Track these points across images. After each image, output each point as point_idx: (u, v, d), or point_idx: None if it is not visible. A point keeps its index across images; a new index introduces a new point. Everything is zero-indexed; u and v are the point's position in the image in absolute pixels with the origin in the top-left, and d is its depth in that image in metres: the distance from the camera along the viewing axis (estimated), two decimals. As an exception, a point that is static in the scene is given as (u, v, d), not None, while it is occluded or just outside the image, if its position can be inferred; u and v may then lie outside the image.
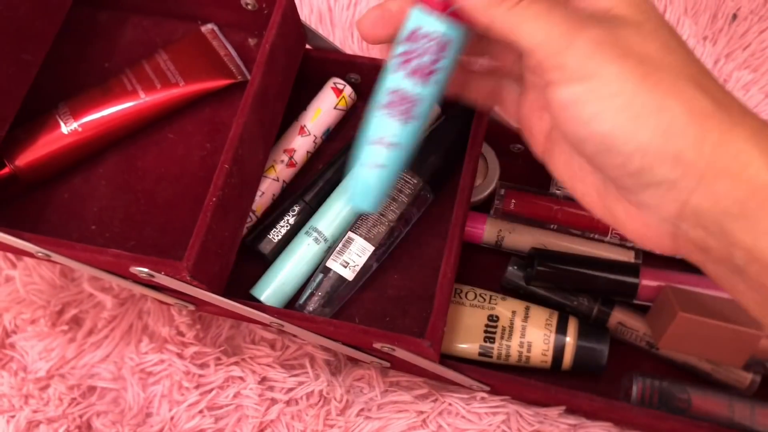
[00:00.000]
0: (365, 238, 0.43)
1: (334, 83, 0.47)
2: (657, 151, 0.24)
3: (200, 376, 0.47)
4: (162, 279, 0.37)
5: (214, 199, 0.36)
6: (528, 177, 0.50)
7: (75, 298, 0.50)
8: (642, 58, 0.24)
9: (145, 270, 0.36)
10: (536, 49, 0.25)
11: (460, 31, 0.28)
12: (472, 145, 0.42)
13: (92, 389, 0.48)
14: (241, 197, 0.39)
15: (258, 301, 0.43)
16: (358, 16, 0.57)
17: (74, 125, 0.41)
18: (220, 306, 0.41)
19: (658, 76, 0.24)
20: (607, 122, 0.25)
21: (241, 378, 0.47)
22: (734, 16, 0.57)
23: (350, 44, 0.57)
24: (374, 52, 0.56)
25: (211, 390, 0.47)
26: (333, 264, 0.43)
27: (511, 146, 0.51)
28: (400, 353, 0.40)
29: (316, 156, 0.48)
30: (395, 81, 0.29)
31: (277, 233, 0.45)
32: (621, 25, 0.25)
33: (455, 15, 0.28)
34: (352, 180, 0.30)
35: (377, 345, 0.40)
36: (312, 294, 0.43)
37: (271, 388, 0.47)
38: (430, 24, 0.28)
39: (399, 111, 0.29)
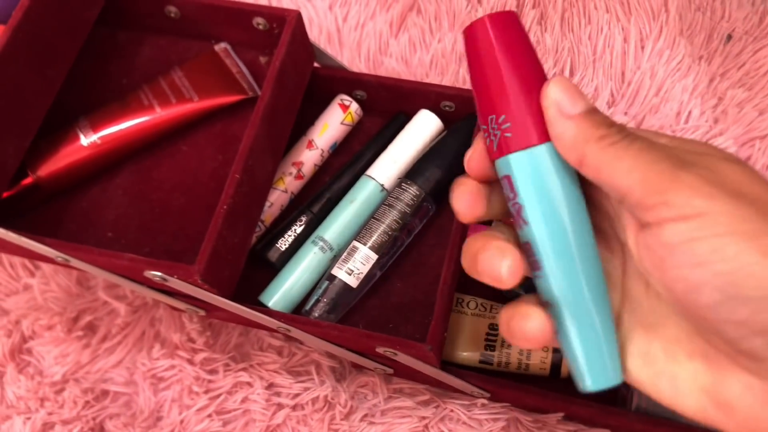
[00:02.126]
0: (369, 247, 0.45)
1: (341, 100, 0.49)
2: None
3: (209, 381, 0.49)
4: (174, 283, 0.39)
5: (225, 206, 0.38)
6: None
7: (90, 306, 0.52)
8: (754, 199, 0.22)
9: (159, 274, 0.38)
10: (636, 186, 0.23)
11: (509, 159, 0.26)
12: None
13: (105, 393, 0.49)
14: (250, 206, 0.41)
15: (266, 307, 0.45)
16: (365, 36, 0.60)
17: (93, 138, 0.43)
18: (229, 311, 0.43)
19: None
20: (730, 260, 0.21)
21: (248, 383, 0.49)
22: (729, 37, 0.59)
23: (357, 63, 0.59)
24: (381, 71, 0.59)
25: (219, 395, 0.48)
26: (338, 272, 0.45)
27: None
28: (402, 358, 0.42)
29: (323, 169, 0.50)
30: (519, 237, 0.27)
31: (285, 242, 0.46)
32: (721, 164, 0.23)
33: (502, 151, 0.26)
34: (572, 363, 0.27)
35: (380, 349, 0.41)
36: (318, 300, 0.45)
37: (278, 394, 0.48)
38: (498, 171, 0.27)
39: (532, 265, 0.27)
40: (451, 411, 0.47)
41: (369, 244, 0.45)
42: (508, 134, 0.25)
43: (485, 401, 0.47)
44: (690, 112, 0.55)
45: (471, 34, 0.26)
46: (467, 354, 0.47)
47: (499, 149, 0.26)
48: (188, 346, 0.50)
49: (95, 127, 0.44)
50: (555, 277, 0.26)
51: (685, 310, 0.24)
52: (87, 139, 0.43)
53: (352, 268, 0.45)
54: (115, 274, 0.41)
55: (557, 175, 0.26)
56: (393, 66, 0.59)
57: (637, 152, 0.23)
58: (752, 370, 0.22)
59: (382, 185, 0.47)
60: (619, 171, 0.23)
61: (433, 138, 0.49)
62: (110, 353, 0.51)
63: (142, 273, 0.38)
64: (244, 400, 0.48)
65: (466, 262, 0.27)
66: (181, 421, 0.48)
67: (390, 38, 0.60)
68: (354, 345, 0.43)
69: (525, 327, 0.25)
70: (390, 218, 0.45)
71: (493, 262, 0.26)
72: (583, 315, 0.26)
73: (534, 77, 0.25)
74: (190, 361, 0.49)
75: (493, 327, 0.48)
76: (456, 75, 0.58)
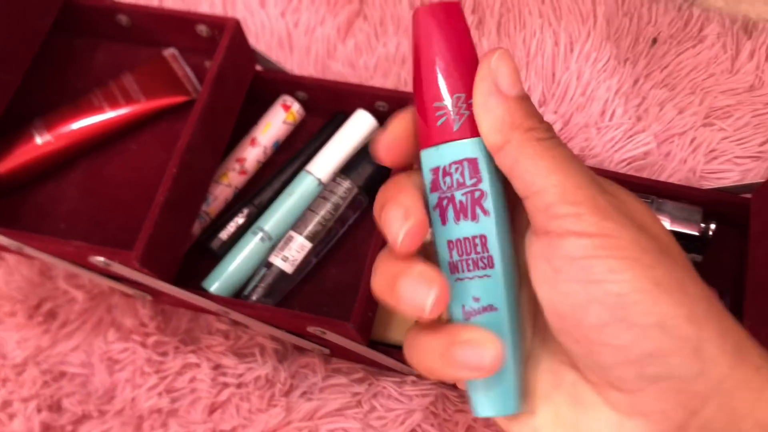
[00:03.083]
0: (304, 237, 0.49)
1: (284, 100, 0.53)
2: (679, 334, 0.21)
3: (160, 362, 0.53)
4: (117, 268, 0.42)
5: (162, 198, 0.42)
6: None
7: (51, 294, 0.55)
8: (655, 236, 0.22)
9: (101, 259, 0.41)
10: (552, 190, 0.22)
11: (480, 141, 0.24)
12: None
13: (63, 374, 0.53)
14: (188, 198, 0.45)
15: (208, 292, 0.48)
16: (314, 41, 0.64)
17: (47, 137, 0.47)
18: (175, 296, 0.47)
19: (674, 261, 0.22)
20: (624, 283, 0.21)
21: (196, 364, 0.52)
22: (654, 41, 0.62)
23: (307, 66, 0.63)
24: (328, 74, 0.62)
25: (169, 375, 0.52)
26: (275, 259, 0.48)
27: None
28: (331, 336, 0.46)
29: (266, 165, 0.53)
30: (446, 235, 0.25)
31: (227, 233, 0.50)
32: (631, 200, 0.24)
33: (465, 133, 0.24)
34: (469, 384, 0.25)
35: (311, 329, 0.45)
36: (256, 286, 0.48)
37: (223, 374, 0.52)
38: (445, 156, 0.24)
39: (469, 265, 0.24)
40: (383, 387, 0.51)
41: (304, 233, 0.49)
42: None
43: (415, 378, 0.51)
44: (614, 111, 0.59)
45: (433, 12, 0.24)
46: (399, 335, 0.51)
47: (462, 130, 0.24)
48: (141, 331, 0.53)
49: (49, 128, 0.47)
50: (506, 276, 0.24)
51: (565, 329, 0.23)
52: (41, 138, 0.47)
53: (288, 256, 0.48)
54: (66, 260, 0.45)
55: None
56: (339, 69, 0.63)
57: (560, 157, 0.22)
58: (615, 405, 0.22)
59: (319, 180, 0.51)
60: (538, 168, 0.22)
61: (369, 136, 0.52)
62: (69, 338, 0.54)
63: (88, 258, 0.42)
64: (192, 379, 0.52)
65: (379, 286, 0.25)
66: (133, 399, 0.51)
67: (337, 43, 0.64)
68: (287, 325, 0.47)
69: (477, 356, 0.23)
70: (324, 210, 0.49)
71: (418, 292, 0.23)
72: (516, 325, 0.25)
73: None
74: (143, 344, 0.53)
75: (424, 311, 0.51)
76: (398, 77, 0.62)
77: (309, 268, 0.50)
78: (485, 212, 0.24)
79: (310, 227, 0.49)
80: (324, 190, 0.50)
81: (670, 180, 0.57)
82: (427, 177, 0.25)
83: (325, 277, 0.51)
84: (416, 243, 0.24)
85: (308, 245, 0.49)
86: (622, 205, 0.23)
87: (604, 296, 0.21)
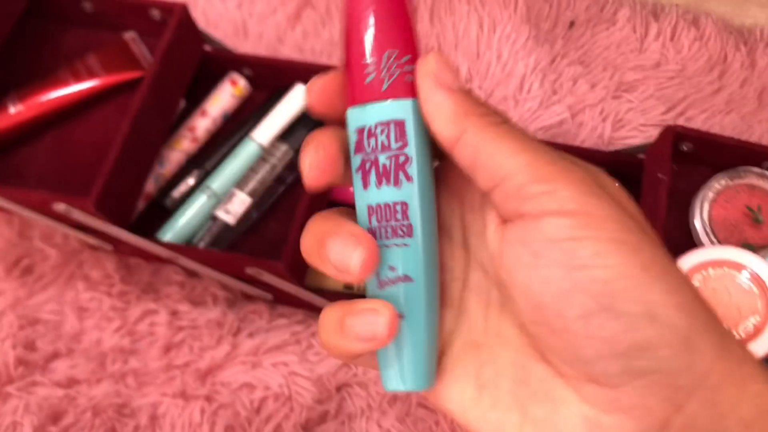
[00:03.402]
0: (246, 193, 0.55)
1: (231, 77, 0.60)
2: (670, 323, 0.19)
3: (123, 309, 0.59)
4: (77, 214, 0.49)
5: (116, 153, 0.49)
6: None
7: (27, 252, 0.62)
8: (632, 214, 0.21)
9: (63, 206, 0.48)
10: (521, 170, 0.21)
11: (410, 104, 0.23)
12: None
13: (38, 320, 0.60)
14: (139, 155, 0.52)
15: (159, 240, 0.55)
16: (266, 28, 0.71)
17: (20, 107, 0.54)
18: (132, 245, 0.53)
19: (655, 242, 0.21)
20: (611, 268, 0.19)
21: (155, 311, 0.59)
22: (572, 23, 0.69)
23: (260, 51, 0.70)
24: (265, 52, 0.70)
25: (131, 320, 0.59)
26: (219, 212, 0.55)
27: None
28: (267, 277, 0.52)
29: (216, 135, 0.60)
30: (367, 200, 0.23)
31: (179, 192, 0.57)
32: (602, 175, 0.22)
33: (395, 92, 0.23)
34: (380, 357, 0.24)
35: (249, 270, 0.52)
36: (203, 237, 0.55)
37: (179, 318, 0.59)
38: (371, 116, 0.23)
39: (388, 233, 0.23)
40: (320, 329, 0.58)
41: (245, 190, 0.56)
42: (410, 77, 0.23)
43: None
44: (531, 85, 0.66)
45: None
46: (333, 283, 0.58)
47: (391, 89, 0.23)
48: (107, 282, 0.60)
49: (21, 98, 0.54)
50: (425, 246, 0.23)
51: (542, 320, 0.21)
52: (14, 108, 0.54)
53: (230, 210, 0.55)
54: (35, 211, 0.51)
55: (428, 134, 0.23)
56: (288, 53, 0.70)
57: (522, 137, 0.21)
58: (592, 400, 0.21)
59: (261, 145, 0.58)
60: (502, 151, 0.21)
61: (304, 106, 0.59)
62: (43, 290, 0.61)
63: (51, 206, 0.49)
64: (152, 324, 0.59)
65: (307, 245, 0.23)
66: (98, 340, 0.58)
67: (287, 29, 0.71)
68: (229, 267, 0.54)
69: (370, 324, 0.22)
70: (264, 170, 0.56)
71: (345, 251, 0.22)
72: (433, 300, 0.23)
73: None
74: (108, 294, 0.60)
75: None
76: (322, 51, 0.69)
77: (250, 222, 0.57)
78: (408, 178, 0.23)
79: (251, 185, 0.56)
80: (264, 153, 0.57)
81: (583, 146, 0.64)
82: (352, 137, 0.23)
83: (266, 230, 0.57)
84: (321, 177, 0.23)
85: (248, 200, 0.55)
86: (595, 178, 0.21)
87: (590, 283, 0.19)
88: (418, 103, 0.23)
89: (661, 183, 0.51)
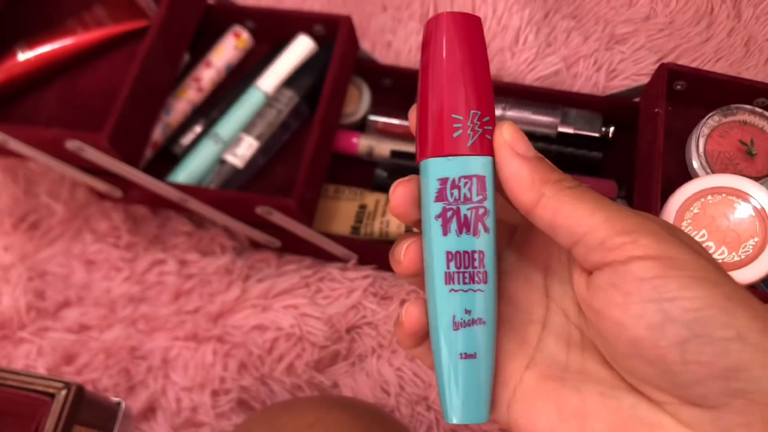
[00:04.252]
0: (254, 137, 0.56)
1: (234, 29, 0.61)
2: (760, 346, 0.21)
3: (131, 260, 0.60)
4: (90, 153, 0.50)
5: (126, 92, 0.49)
6: (395, 106, 0.64)
7: (34, 209, 0.63)
8: (707, 258, 0.23)
9: (77, 143, 0.49)
10: (601, 226, 0.23)
11: (491, 161, 0.25)
12: (334, 60, 0.56)
13: (46, 272, 0.60)
14: (149, 95, 0.53)
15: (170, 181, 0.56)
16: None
17: (29, 54, 0.55)
18: (142, 191, 0.54)
19: (733, 280, 0.23)
20: (699, 299, 0.22)
21: (164, 261, 0.60)
22: (563, -19, 0.71)
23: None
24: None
25: (139, 270, 0.59)
26: (227, 156, 0.56)
27: (381, 81, 0.64)
28: (277, 217, 0.53)
29: (221, 86, 0.61)
30: (446, 246, 0.25)
31: (187, 139, 0.58)
32: (672, 227, 0.24)
33: (478, 150, 0.25)
34: (446, 391, 0.26)
35: (259, 209, 0.53)
36: (211, 181, 0.56)
37: (187, 267, 0.59)
38: (456, 169, 0.25)
39: (465, 278, 0.25)
40: (328, 273, 0.58)
41: (253, 134, 0.56)
42: (489, 136, 0.25)
43: (355, 263, 0.59)
44: (527, 37, 0.68)
45: (458, 21, 0.25)
46: (341, 227, 0.59)
47: (474, 146, 0.25)
48: (114, 234, 0.61)
49: (31, 46, 0.55)
50: (495, 294, 0.26)
51: (638, 353, 0.23)
52: (23, 55, 0.55)
53: (238, 153, 0.56)
54: (45, 153, 0.52)
55: None
56: (290, 4, 0.71)
57: (596, 198, 0.24)
58: (692, 422, 0.22)
59: (265, 92, 0.59)
60: (581, 211, 0.23)
61: (307, 56, 0.60)
62: (51, 244, 0.61)
63: (64, 144, 0.49)
64: (160, 273, 0.59)
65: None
66: (108, 289, 0.58)
67: (286, -9, 0.72)
68: (238, 209, 0.54)
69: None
70: (270, 115, 0.57)
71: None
72: (491, 340, 0.26)
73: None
74: (116, 245, 0.60)
75: (362, 206, 0.59)
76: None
77: (258, 167, 0.57)
78: (486, 229, 0.25)
79: (258, 129, 0.57)
80: (270, 99, 0.58)
81: (578, 95, 0.65)
82: (432, 185, 0.25)
83: (274, 175, 0.58)
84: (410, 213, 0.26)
85: (256, 144, 0.56)
86: (668, 229, 0.23)
87: (681, 313, 0.21)
88: (494, 161, 0.25)
89: (657, 117, 0.53)
